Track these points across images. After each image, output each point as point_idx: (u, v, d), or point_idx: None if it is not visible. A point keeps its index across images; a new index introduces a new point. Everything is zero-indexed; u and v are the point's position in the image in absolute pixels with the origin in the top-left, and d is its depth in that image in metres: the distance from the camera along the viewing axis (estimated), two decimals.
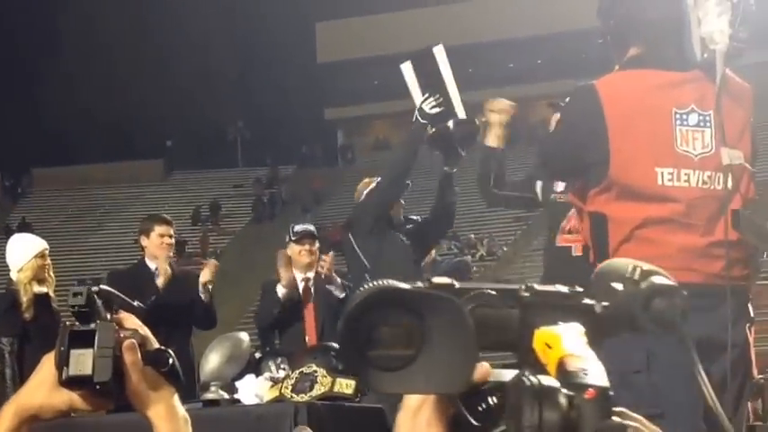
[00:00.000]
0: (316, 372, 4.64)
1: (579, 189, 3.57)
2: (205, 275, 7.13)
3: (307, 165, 46.22)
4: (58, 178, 44.32)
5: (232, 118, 50.58)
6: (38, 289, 6.87)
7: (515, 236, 34.13)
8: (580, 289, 1.15)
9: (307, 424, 4.23)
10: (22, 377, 6.42)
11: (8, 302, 6.87)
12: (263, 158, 46.16)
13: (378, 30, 45.49)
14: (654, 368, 3.24)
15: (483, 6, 44.95)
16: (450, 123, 5.57)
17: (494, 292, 1.13)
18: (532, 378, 0.99)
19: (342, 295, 6.78)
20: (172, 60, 52.25)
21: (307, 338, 6.79)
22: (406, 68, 5.59)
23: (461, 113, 5.49)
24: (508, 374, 1.06)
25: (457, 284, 1.11)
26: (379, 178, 6.20)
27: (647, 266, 1.21)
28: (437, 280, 1.10)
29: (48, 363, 1.54)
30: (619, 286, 1.20)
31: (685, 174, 3.41)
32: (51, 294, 6.99)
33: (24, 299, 6.79)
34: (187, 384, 5.06)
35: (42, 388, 1.55)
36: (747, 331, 3.46)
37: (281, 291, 6.85)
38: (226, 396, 4.82)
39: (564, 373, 1.01)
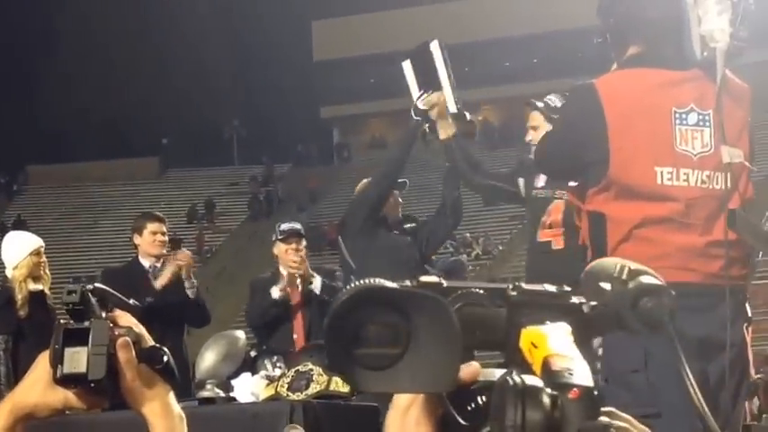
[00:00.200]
0: (312, 370, 4.63)
1: (578, 188, 3.56)
2: (164, 278, 7.04)
3: (302, 163, 46.22)
4: (53, 175, 44.29)
5: (228, 116, 50.57)
6: (33, 286, 6.86)
7: (511, 234, 34.15)
8: (568, 288, 1.15)
9: (302, 422, 4.22)
10: (16, 375, 6.41)
11: (3, 300, 6.86)
12: (259, 157, 46.16)
13: (374, 28, 45.50)
14: (651, 367, 3.24)
15: (479, 5, 44.96)
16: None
17: (481, 292, 1.12)
18: (516, 377, 0.99)
19: (319, 291, 6.76)
20: (168, 58, 52.25)
21: (295, 337, 6.78)
22: (407, 66, 5.59)
23: (452, 108, 5.48)
24: (498, 374, 1.05)
25: (444, 283, 1.11)
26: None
27: (634, 266, 1.21)
28: (424, 279, 1.10)
29: (42, 361, 1.54)
30: (607, 286, 1.20)
31: (684, 173, 3.41)
32: (47, 292, 6.98)
33: (19, 296, 6.78)
34: (182, 382, 5.05)
35: (37, 386, 1.54)
36: (745, 331, 3.46)
37: (276, 292, 6.82)
38: (222, 394, 4.81)
39: (548, 373, 1.00)
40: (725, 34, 3.36)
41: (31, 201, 44.12)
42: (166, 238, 7.30)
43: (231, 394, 4.86)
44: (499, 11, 44.56)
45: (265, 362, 5.57)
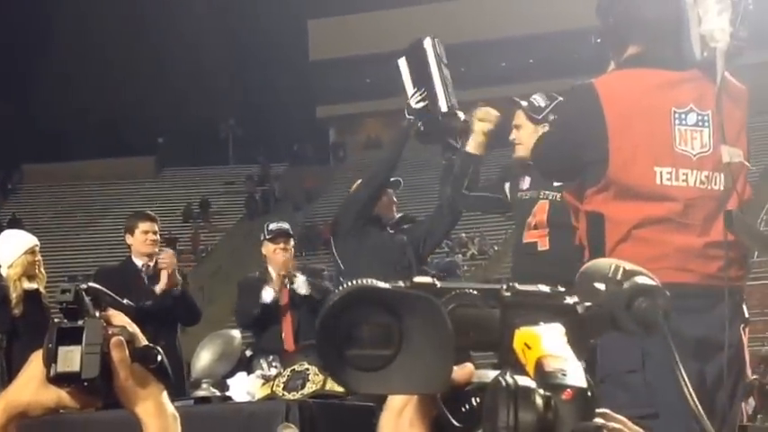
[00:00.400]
0: (308, 370, 4.62)
1: (576, 188, 3.55)
2: (162, 284, 7.03)
3: (298, 162, 46.25)
4: (48, 174, 44.27)
5: (224, 115, 50.58)
6: (28, 285, 6.84)
7: (506, 235, 34.15)
8: (562, 289, 1.14)
9: (298, 422, 4.21)
10: (10, 374, 6.39)
11: None
12: (255, 156, 46.20)
13: (370, 28, 45.51)
14: (649, 368, 3.23)
15: (476, 5, 44.99)
16: (440, 116, 5.55)
17: (475, 292, 1.12)
18: (509, 378, 0.98)
19: (306, 292, 6.74)
20: (164, 58, 52.23)
21: (283, 336, 6.77)
22: (402, 64, 5.57)
23: (444, 107, 5.44)
24: (492, 375, 1.05)
25: (438, 284, 1.10)
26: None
27: (629, 266, 1.21)
28: (418, 279, 1.09)
29: (36, 360, 1.54)
30: (601, 286, 1.19)
31: (684, 173, 3.40)
32: (42, 291, 6.96)
33: (14, 295, 6.76)
34: (176, 381, 5.04)
35: (31, 385, 1.54)
36: (742, 332, 3.46)
37: (268, 292, 6.80)
38: (217, 393, 4.80)
39: (542, 374, 1.00)
40: (725, 34, 3.35)
41: (26, 199, 44.10)
42: (158, 237, 7.30)
43: (227, 393, 4.85)
44: (496, 11, 44.59)
45: (261, 361, 5.56)
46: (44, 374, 1.51)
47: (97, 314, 1.55)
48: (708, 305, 3.35)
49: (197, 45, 51.98)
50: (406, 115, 5.59)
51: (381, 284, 1.03)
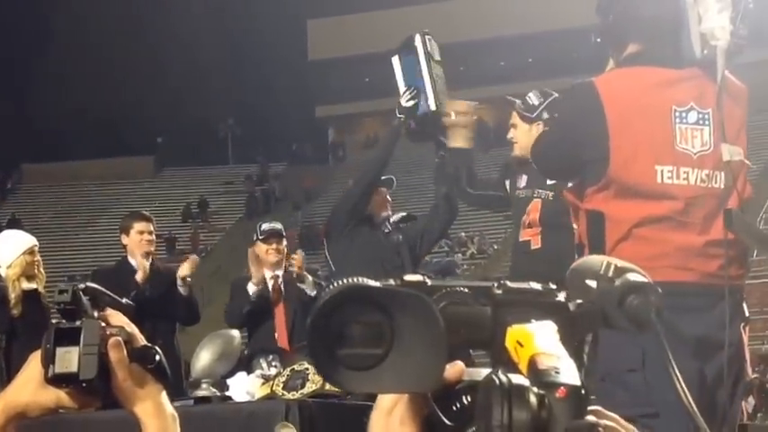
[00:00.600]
0: (307, 369, 4.62)
1: (576, 187, 3.55)
2: (183, 270, 7.09)
3: (297, 162, 46.27)
4: (47, 174, 44.27)
5: (223, 115, 50.60)
6: (26, 285, 6.84)
7: (506, 233, 34.16)
8: (554, 286, 1.14)
9: (298, 421, 4.21)
10: (9, 374, 6.39)
11: None
12: (254, 156, 46.21)
13: (369, 27, 45.51)
14: (649, 367, 3.22)
15: (474, 5, 45.00)
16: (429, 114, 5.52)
17: (466, 290, 1.11)
18: (502, 377, 0.97)
19: (313, 293, 6.74)
20: (163, 57, 52.24)
21: (277, 336, 6.76)
22: (395, 62, 5.54)
23: (433, 105, 5.41)
24: (484, 373, 1.04)
25: (429, 282, 1.09)
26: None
27: (621, 263, 1.20)
28: (408, 277, 1.08)
29: (34, 360, 1.53)
30: (593, 283, 1.18)
31: (684, 172, 3.40)
32: (41, 291, 6.96)
33: (12, 295, 6.75)
34: (174, 381, 5.04)
35: (29, 386, 1.54)
36: (742, 330, 3.45)
37: (251, 289, 6.81)
38: (217, 393, 4.80)
39: (535, 372, 0.99)
40: (725, 32, 3.34)
41: (25, 199, 44.09)
42: (153, 237, 7.29)
43: (226, 393, 4.85)
44: (494, 11, 44.60)
45: (261, 361, 5.56)
46: (42, 375, 1.51)
47: (95, 314, 1.54)
48: (708, 304, 3.35)
49: (196, 45, 51.99)
50: (397, 114, 5.57)
51: (372, 283, 1.02)
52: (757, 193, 4.15)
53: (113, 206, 39.72)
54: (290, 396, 4.55)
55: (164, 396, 1.58)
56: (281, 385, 4.63)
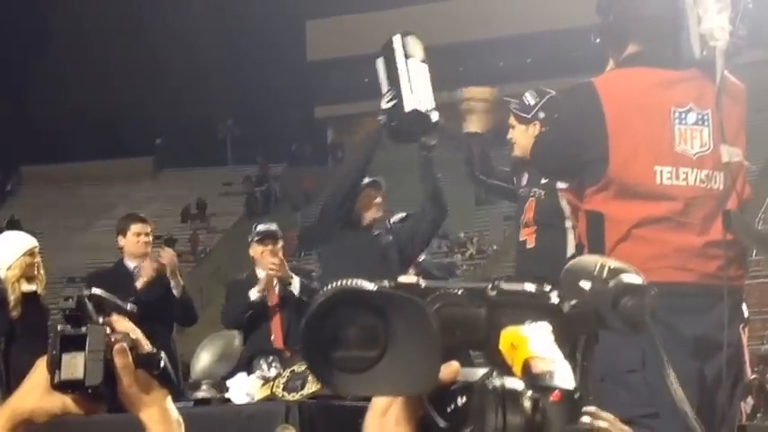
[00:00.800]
0: (307, 370, 4.62)
1: (576, 188, 3.55)
2: (162, 259, 7.03)
3: (297, 163, 46.23)
4: (47, 176, 44.24)
5: (222, 116, 50.54)
6: (26, 287, 6.82)
7: (505, 234, 34.16)
8: (548, 287, 1.14)
9: (298, 423, 4.21)
10: (8, 376, 6.38)
11: None
12: (253, 157, 46.14)
13: (368, 28, 45.42)
14: (649, 367, 3.22)
15: (473, 5, 44.96)
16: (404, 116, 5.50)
17: (460, 292, 1.11)
18: (496, 381, 0.98)
19: (298, 292, 6.71)
20: (162, 58, 52.18)
21: (272, 338, 6.75)
22: (379, 64, 5.53)
23: (408, 105, 5.38)
24: (478, 374, 1.04)
25: (423, 284, 1.10)
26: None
27: (614, 264, 1.20)
28: (403, 279, 1.09)
29: (41, 366, 1.54)
30: (587, 285, 1.18)
31: (684, 172, 3.40)
32: (41, 293, 6.95)
33: (12, 297, 6.74)
34: None
35: (35, 392, 1.54)
36: (741, 331, 3.45)
37: (254, 295, 6.79)
38: (217, 395, 4.80)
39: (529, 376, 1.00)
40: (725, 32, 3.35)
41: (24, 201, 44.04)
42: (150, 239, 7.28)
43: (226, 395, 4.85)
44: (493, 11, 44.56)
45: (261, 362, 5.55)
46: (48, 381, 1.51)
47: (101, 320, 1.55)
48: (707, 304, 3.35)
49: (195, 45, 51.94)
50: (378, 116, 5.56)
51: (366, 285, 1.02)
52: (756, 194, 4.15)
53: (112, 208, 39.67)
54: (290, 397, 4.55)
55: (169, 402, 1.58)
56: (282, 387, 4.63)
